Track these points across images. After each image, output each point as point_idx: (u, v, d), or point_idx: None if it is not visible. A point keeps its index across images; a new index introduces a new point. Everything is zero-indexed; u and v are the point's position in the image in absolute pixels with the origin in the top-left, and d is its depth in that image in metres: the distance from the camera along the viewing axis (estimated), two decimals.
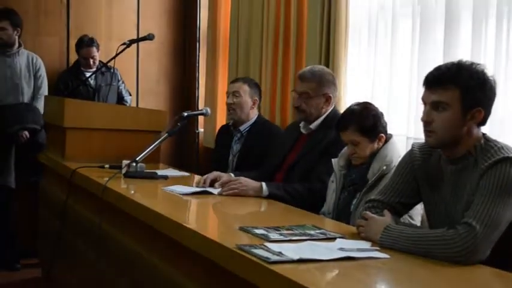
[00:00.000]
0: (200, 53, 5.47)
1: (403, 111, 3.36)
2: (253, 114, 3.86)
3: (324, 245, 1.97)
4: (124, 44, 4.20)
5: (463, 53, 2.94)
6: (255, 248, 1.86)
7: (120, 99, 5.07)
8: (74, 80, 4.88)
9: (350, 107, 2.82)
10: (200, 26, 5.47)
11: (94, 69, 4.93)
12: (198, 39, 5.49)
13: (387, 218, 2.11)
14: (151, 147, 3.37)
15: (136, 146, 3.49)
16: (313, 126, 3.20)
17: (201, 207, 2.85)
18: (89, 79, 4.92)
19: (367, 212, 2.16)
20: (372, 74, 3.60)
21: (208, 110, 3.78)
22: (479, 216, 1.89)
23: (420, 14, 3.26)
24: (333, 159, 2.87)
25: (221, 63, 5.07)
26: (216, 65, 5.09)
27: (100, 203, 2.97)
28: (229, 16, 4.91)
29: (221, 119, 4.97)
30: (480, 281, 1.81)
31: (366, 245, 2.00)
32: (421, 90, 2.15)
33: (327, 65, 3.69)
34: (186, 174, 3.62)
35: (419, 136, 2.70)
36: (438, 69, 2.09)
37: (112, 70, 4.88)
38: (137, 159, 3.28)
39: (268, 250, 1.84)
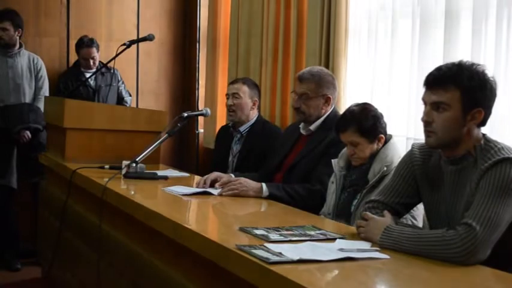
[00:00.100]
0: (200, 53, 5.47)
1: (403, 111, 3.36)
2: (253, 115, 3.86)
3: (324, 245, 1.97)
4: (124, 44, 4.18)
5: (462, 53, 2.94)
6: (255, 249, 1.86)
7: (120, 100, 5.06)
8: (74, 81, 4.87)
9: (349, 107, 2.82)
10: (200, 26, 5.47)
11: (94, 69, 4.92)
12: (198, 39, 5.49)
13: (387, 218, 2.11)
14: (151, 147, 3.37)
15: (136, 147, 3.51)
16: (312, 127, 3.19)
17: (201, 208, 2.85)
18: (89, 80, 4.92)
19: (367, 213, 2.15)
20: (372, 74, 3.60)
21: (208, 110, 3.77)
22: (479, 216, 1.89)
23: (420, 14, 3.26)
24: (332, 160, 2.87)
25: (221, 64, 5.06)
26: (216, 65, 5.09)
27: (100, 204, 2.97)
28: (229, 16, 4.90)
29: (221, 120, 4.96)
30: (480, 281, 1.80)
31: (365, 245, 2.00)
32: (421, 90, 2.15)
33: (327, 65, 3.69)
34: (186, 174, 3.62)
35: (419, 136, 2.70)
36: (439, 70, 2.09)
37: (112, 71, 4.87)
38: (137, 159, 3.28)
39: (268, 251, 1.84)
